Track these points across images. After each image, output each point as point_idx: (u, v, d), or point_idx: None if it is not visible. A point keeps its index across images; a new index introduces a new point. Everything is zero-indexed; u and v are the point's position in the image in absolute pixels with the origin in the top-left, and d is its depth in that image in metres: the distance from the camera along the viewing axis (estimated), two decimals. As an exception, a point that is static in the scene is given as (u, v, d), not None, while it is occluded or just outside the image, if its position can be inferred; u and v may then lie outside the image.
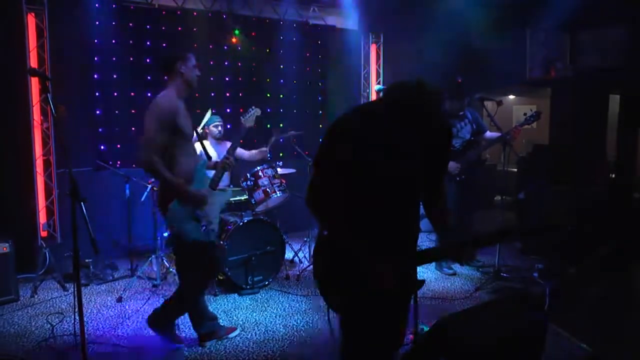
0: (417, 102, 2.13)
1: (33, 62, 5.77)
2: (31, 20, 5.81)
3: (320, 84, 8.37)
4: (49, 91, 3.03)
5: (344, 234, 2.29)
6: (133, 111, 6.71)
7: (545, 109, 8.00)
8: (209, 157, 4.01)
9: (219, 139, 6.02)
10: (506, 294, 5.07)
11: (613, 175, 7.31)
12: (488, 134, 5.61)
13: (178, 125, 3.55)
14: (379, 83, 8.52)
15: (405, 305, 2.51)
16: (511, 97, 11.49)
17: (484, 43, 7.45)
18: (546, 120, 8.38)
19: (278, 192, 5.27)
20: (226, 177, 6.08)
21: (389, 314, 2.37)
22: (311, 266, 5.83)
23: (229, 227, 5.10)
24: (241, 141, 4.18)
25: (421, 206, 2.47)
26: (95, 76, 6.45)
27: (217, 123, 5.96)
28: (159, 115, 3.50)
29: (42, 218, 5.81)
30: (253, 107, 4.07)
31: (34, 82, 5.66)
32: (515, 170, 8.53)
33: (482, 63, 7.59)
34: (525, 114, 5.27)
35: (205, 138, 6.04)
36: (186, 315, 3.99)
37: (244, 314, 4.63)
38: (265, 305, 4.85)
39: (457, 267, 5.83)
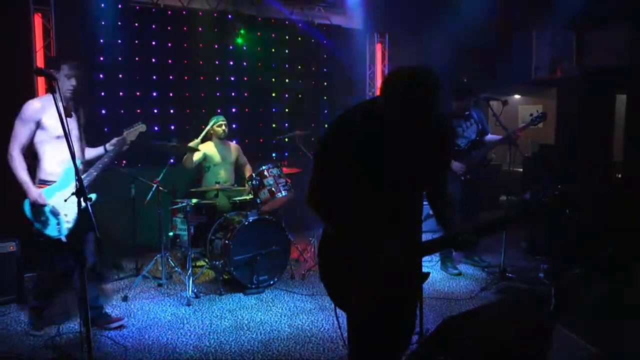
0: (413, 84, 2.10)
1: (39, 62, 5.80)
2: (38, 21, 5.84)
3: (325, 84, 8.38)
4: (55, 91, 3.03)
5: (346, 231, 2.29)
6: (138, 111, 6.73)
7: (551, 109, 7.99)
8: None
9: (222, 139, 6.02)
10: (512, 294, 5.06)
11: (619, 176, 7.27)
12: (489, 136, 5.60)
13: (42, 125, 3.84)
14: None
15: (411, 302, 2.50)
16: (517, 96, 11.44)
17: (489, 43, 7.43)
18: (552, 120, 8.35)
19: (283, 192, 5.27)
20: (231, 176, 6.08)
21: (396, 311, 2.37)
22: (316, 266, 5.85)
23: (235, 226, 5.11)
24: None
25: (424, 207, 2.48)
26: (101, 76, 6.47)
27: (221, 123, 5.96)
28: (20, 114, 3.84)
29: (48, 217, 5.82)
30: (139, 122, 4.10)
31: (41, 82, 5.68)
32: (521, 170, 8.50)
33: (488, 63, 7.57)
34: (531, 115, 5.25)
35: (211, 138, 6.06)
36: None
37: (249, 313, 4.64)
38: (271, 304, 4.85)
39: (462, 267, 5.82)
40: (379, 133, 2.21)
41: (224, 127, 5.96)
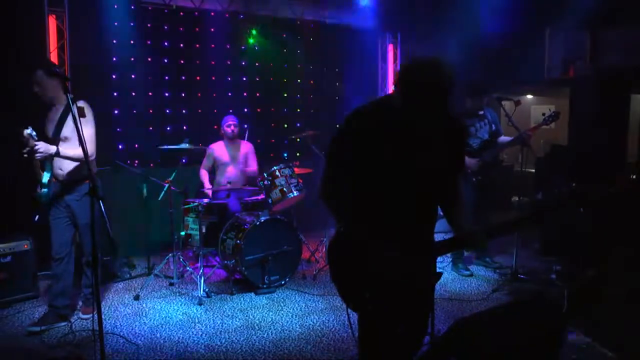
0: (429, 76, 2.10)
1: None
2: (52, 22, 5.91)
3: (337, 84, 8.38)
4: (68, 91, 3.07)
5: (357, 227, 2.29)
6: (150, 111, 6.80)
7: (564, 109, 7.90)
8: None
9: (231, 139, 6.05)
10: (523, 295, 5.02)
11: (634, 177, 7.19)
12: (502, 138, 5.55)
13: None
14: (395, 82, 8.49)
15: (424, 302, 2.48)
16: (529, 96, 11.36)
17: (502, 42, 7.38)
18: (565, 120, 8.27)
19: (295, 192, 5.27)
20: (241, 176, 6.09)
21: (408, 310, 2.36)
22: (327, 266, 5.85)
23: (246, 226, 5.12)
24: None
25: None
26: (113, 76, 6.52)
27: (230, 123, 5.99)
28: None
29: (62, 216, 5.87)
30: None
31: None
32: (533, 171, 8.44)
33: (501, 62, 7.52)
34: (543, 114, 5.21)
35: (222, 138, 6.10)
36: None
37: (260, 313, 4.65)
38: (282, 304, 4.86)
39: (473, 268, 5.79)
40: (392, 129, 2.21)
41: (232, 127, 5.99)
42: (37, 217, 4.17)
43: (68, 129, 4.08)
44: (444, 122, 2.30)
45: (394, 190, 2.24)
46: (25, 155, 3.90)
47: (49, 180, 4.02)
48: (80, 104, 3.97)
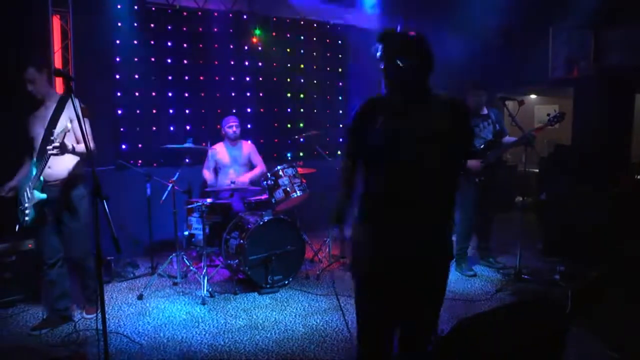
0: (403, 39, 2.39)
1: (57, 63, 5.87)
2: (56, 22, 5.92)
3: (340, 84, 8.38)
4: (72, 91, 3.08)
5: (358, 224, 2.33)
6: (154, 111, 6.81)
7: (567, 109, 7.90)
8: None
9: (233, 140, 6.04)
10: (527, 296, 5.01)
11: (639, 177, 7.17)
12: (506, 138, 5.54)
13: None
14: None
15: (424, 299, 2.50)
16: (533, 96, 11.34)
17: (506, 42, 7.38)
18: (569, 120, 8.26)
19: (298, 192, 5.27)
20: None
21: (407, 309, 2.39)
22: (331, 265, 5.85)
23: (249, 226, 5.13)
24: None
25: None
26: (117, 76, 6.54)
27: (232, 124, 5.98)
28: None
29: (65, 216, 5.88)
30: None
31: (58, 82, 5.75)
32: (537, 170, 8.43)
33: (504, 62, 7.51)
34: (548, 115, 5.18)
35: (223, 139, 6.10)
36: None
37: (263, 312, 4.65)
38: (285, 304, 4.86)
39: (477, 268, 5.78)
40: (390, 119, 2.24)
41: (234, 128, 5.99)
42: (18, 226, 4.07)
43: (62, 126, 4.00)
44: (441, 106, 2.32)
45: (394, 182, 2.27)
46: (53, 153, 3.84)
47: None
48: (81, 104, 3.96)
